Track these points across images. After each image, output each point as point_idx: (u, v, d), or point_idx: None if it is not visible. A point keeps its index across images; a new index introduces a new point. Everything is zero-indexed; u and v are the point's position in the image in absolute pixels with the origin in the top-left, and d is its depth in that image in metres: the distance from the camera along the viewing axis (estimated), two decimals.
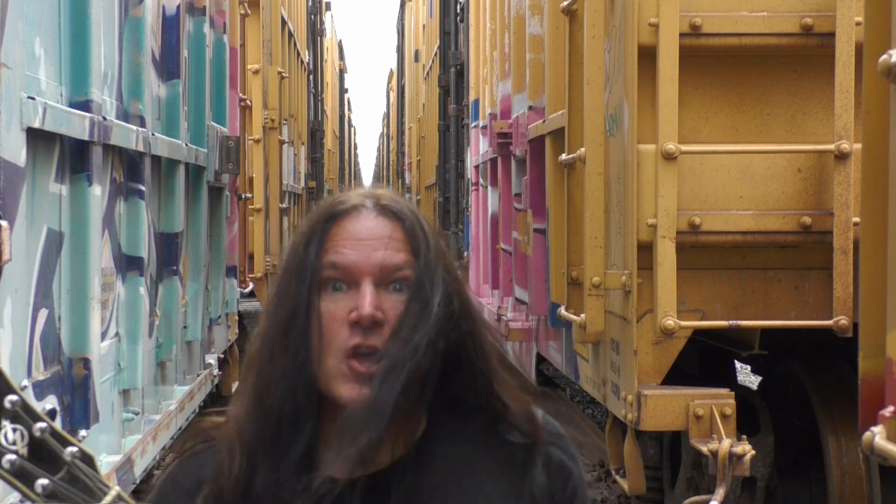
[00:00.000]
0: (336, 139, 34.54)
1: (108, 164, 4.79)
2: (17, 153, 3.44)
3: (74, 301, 4.19)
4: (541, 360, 7.98)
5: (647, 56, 4.71)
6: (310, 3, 18.06)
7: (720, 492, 4.43)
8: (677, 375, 4.88)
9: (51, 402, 3.97)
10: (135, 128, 5.12)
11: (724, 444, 4.46)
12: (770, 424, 5.29)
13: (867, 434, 2.37)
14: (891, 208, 2.45)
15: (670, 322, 4.61)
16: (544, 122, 6.74)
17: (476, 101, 11.42)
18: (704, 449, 4.52)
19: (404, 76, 27.51)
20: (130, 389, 5.14)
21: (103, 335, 4.65)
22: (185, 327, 6.52)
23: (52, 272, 4.05)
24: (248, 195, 9.83)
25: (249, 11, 10.25)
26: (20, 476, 1.42)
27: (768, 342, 5.05)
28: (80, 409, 4.17)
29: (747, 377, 10.41)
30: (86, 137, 4.21)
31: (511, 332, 8.44)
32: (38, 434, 1.42)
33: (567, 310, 5.65)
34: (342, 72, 38.33)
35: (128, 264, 5.17)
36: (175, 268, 6.08)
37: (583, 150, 5.29)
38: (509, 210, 8.61)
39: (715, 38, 4.78)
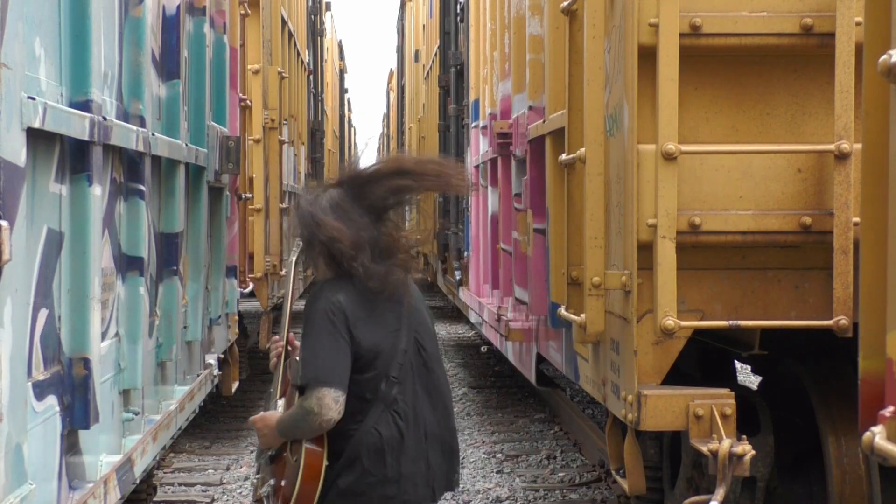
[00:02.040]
0: (336, 139, 34.52)
1: (108, 164, 4.79)
2: (18, 153, 3.44)
3: (74, 301, 4.19)
4: (541, 360, 7.99)
5: (647, 56, 4.71)
6: (310, 3, 18.06)
7: (720, 492, 4.43)
8: (677, 375, 4.88)
9: (51, 402, 3.97)
10: (135, 128, 5.12)
11: (724, 444, 4.46)
12: (770, 424, 5.29)
13: (867, 434, 2.37)
14: (891, 208, 2.46)
15: (670, 322, 4.61)
16: (544, 122, 6.74)
17: (476, 101, 11.42)
18: (704, 449, 4.52)
19: (404, 76, 27.49)
20: (130, 389, 5.14)
21: (103, 335, 4.65)
22: (185, 327, 6.51)
23: (52, 272, 4.05)
24: (249, 195, 9.83)
25: (249, 11, 10.24)
26: None
27: (768, 342, 5.05)
28: (80, 409, 4.17)
29: (747, 377, 10.41)
30: (86, 137, 4.21)
31: (511, 332, 8.44)
32: None
33: (567, 310, 5.65)
34: (342, 72, 38.31)
35: (128, 264, 5.17)
36: (175, 268, 6.08)
37: (583, 150, 5.29)
38: (509, 210, 8.61)
39: (715, 38, 4.79)
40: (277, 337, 4.31)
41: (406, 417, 4.00)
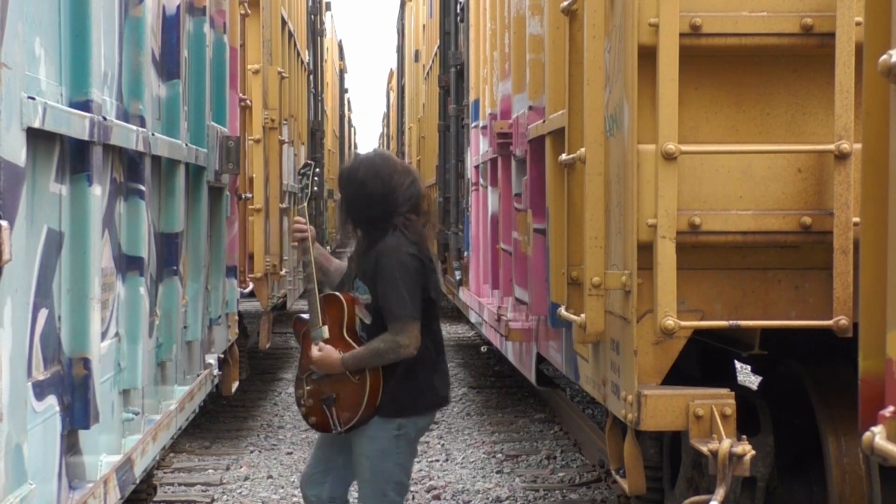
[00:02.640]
0: (336, 139, 34.54)
1: (108, 164, 4.79)
2: (17, 153, 3.44)
3: (74, 301, 4.19)
4: (541, 360, 7.99)
5: (647, 56, 4.71)
6: (310, 3, 18.06)
7: (720, 492, 4.43)
8: (677, 375, 4.88)
9: (50, 402, 3.97)
10: (135, 128, 5.12)
11: (724, 444, 4.46)
12: (770, 424, 5.30)
13: (867, 434, 2.38)
14: (891, 208, 2.46)
15: (670, 322, 4.61)
16: (544, 122, 6.74)
17: (476, 101, 11.42)
18: (704, 449, 4.52)
19: (404, 76, 27.51)
20: (130, 389, 5.14)
21: (103, 335, 4.66)
22: (185, 327, 6.51)
23: (52, 272, 4.06)
24: (248, 195, 9.83)
25: (249, 11, 10.24)
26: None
27: (768, 342, 5.05)
28: (80, 409, 4.17)
29: (747, 377, 10.41)
30: (86, 137, 4.21)
31: (511, 332, 8.44)
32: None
33: (567, 310, 5.65)
34: (342, 72, 38.33)
35: (128, 264, 5.17)
36: (175, 268, 6.08)
37: (583, 150, 5.30)
38: (509, 210, 8.61)
39: (715, 38, 4.79)
40: (300, 222, 5.32)
41: (440, 340, 5.36)
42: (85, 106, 4.23)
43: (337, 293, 5.28)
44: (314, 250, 5.33)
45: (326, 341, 5.20)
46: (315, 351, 5.20)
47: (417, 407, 5.22)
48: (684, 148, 4.67)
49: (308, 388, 5.27)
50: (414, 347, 5.09)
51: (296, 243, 5.34)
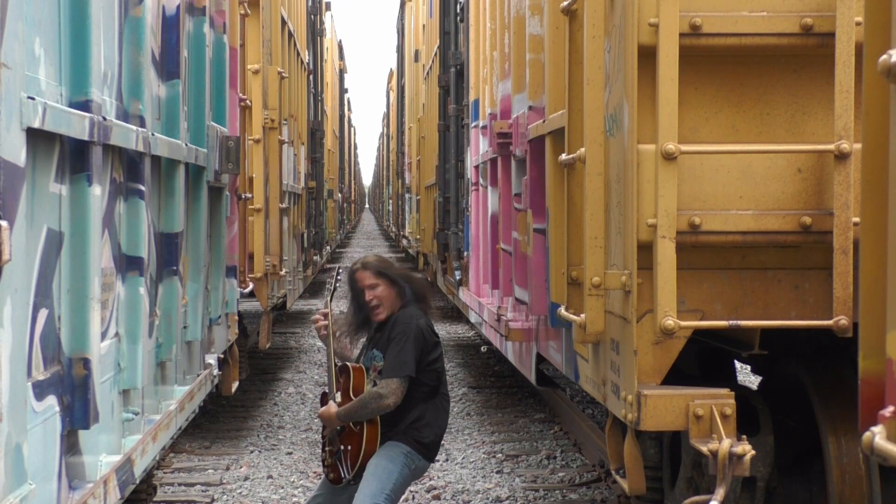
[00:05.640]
0: (336, 139, 34.54)
1: (108, 164, 4.79)
2: (17, 153, 3.44)
3: (74, 301, 4.19)
4: (541, 360, 7.99)
5: (647, 56, 4.71)
6: (310, 3, 18.06)
7: (720, 492, 4.43)
8: (677, 375, 4.88)
9: (50, 402, 3.97)
10: (135, 128, 5.12)
11: (724, 444, 4.46)
12: (770, 424, 5.30)
13: (867, 434, 2.38)
14: (891, 208, 2.46)
15: (670, 322, 4.61)
16: (544, 122, 6.74)
17: (476, 101, 11.42)
18: (704, 449, 4.52)
19: (404, 76, 27.51)
20: (130, 389, 5.14)
21: (103, 335, 4.65)
22: (185, 327, 6.51)
23: (52, 272, 4.05)
24: (248, 195, 9.83)
25: (249, 11, 10.24)
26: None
27: (768, 342, 5.05)
28: (80, 409, 4.17)
29: (747, 377, 10.41)
30: (86, 137, 4.21)
31: (511, 332, 8.44)
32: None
33: (567, 310, 5.65)
34: (342, 72, 38.32)
35: (128, 264, 5.17)
36: (175, 268, 6.08)
37: (583, 150, 5.30)
38: (509, 210, 8.61)
39: (715, 38, 4.79)
40: (325, 313, 6.04)
41: (448, 397, 6.01)
42: (85, 106, 4.23)
43: (346, 363, 5.99)
44: (335, 342, 6.06)
45: (340, 404, 5.86)
46: (321, 409, 5.94)
47: (426, 452, 5.86)
48: (684, 148, 4.67)
49: (328, 448, 5.94)
50: (393, 401, 5.69)
51: (324, 332, 6.06)
